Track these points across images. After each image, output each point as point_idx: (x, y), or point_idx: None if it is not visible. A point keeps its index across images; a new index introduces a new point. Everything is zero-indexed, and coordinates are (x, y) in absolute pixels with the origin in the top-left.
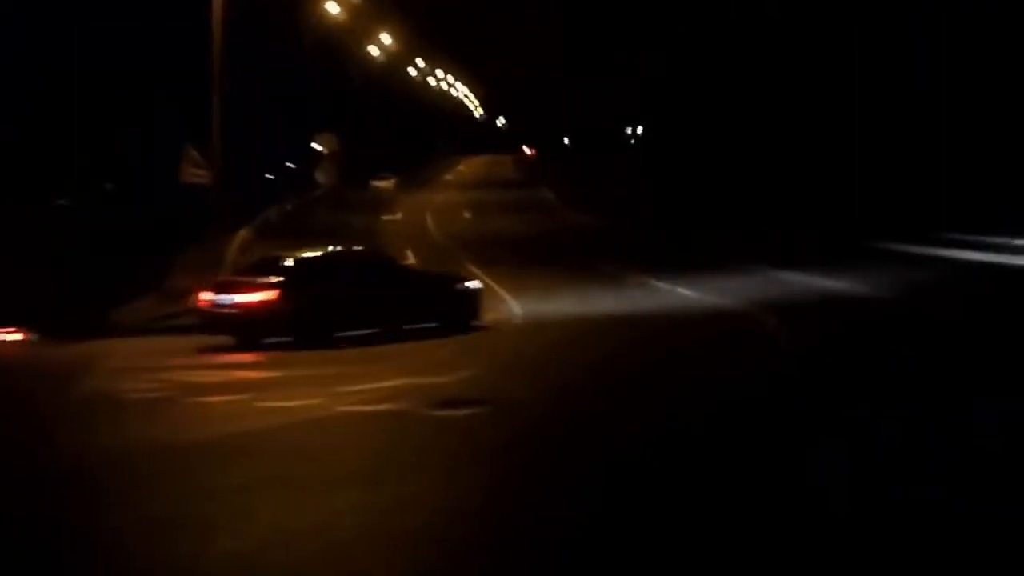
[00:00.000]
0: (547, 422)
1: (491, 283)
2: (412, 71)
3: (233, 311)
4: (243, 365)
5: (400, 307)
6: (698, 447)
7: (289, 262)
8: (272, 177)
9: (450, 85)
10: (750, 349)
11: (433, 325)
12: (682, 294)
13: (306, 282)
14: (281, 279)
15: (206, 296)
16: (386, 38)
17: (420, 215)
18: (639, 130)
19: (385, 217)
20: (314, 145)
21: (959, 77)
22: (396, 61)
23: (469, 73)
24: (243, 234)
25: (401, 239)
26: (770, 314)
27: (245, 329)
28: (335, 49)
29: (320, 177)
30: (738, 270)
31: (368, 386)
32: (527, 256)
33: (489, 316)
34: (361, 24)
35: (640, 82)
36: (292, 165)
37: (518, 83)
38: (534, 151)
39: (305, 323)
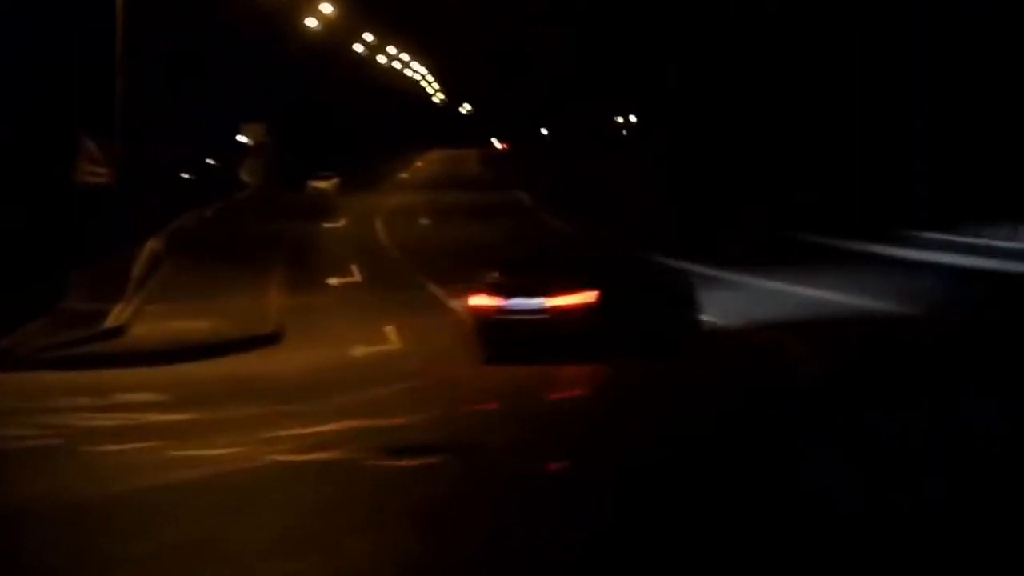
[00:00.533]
0: (521, 474)
1: (455, 308)
2: (359, 48)
3: (541, 318)
4: (153, 405)
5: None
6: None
7: (595, 254)
8: (189, 176)
9: (404, 64)
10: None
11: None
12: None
13: (619, 282)
14: (597, 277)
15: (485, 299)
16: (327, 6)
17: (368, 222)
18: (632, 119)
19: (326, 224)
20: (240, 138)
21: (955, 77)
22: (339, 35)
23: (426, 49)
24: (151, 245)
25: (345, 251)
26: None
27: (554, 342)
28: (267, 20)
29: (245, 176)
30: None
31: (305, 429)
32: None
33: (455, 348)
34: None
35: (635, 63)
36: (213, 161)
37: (486, 62)
38: (506, 145)
39: (621, 334)
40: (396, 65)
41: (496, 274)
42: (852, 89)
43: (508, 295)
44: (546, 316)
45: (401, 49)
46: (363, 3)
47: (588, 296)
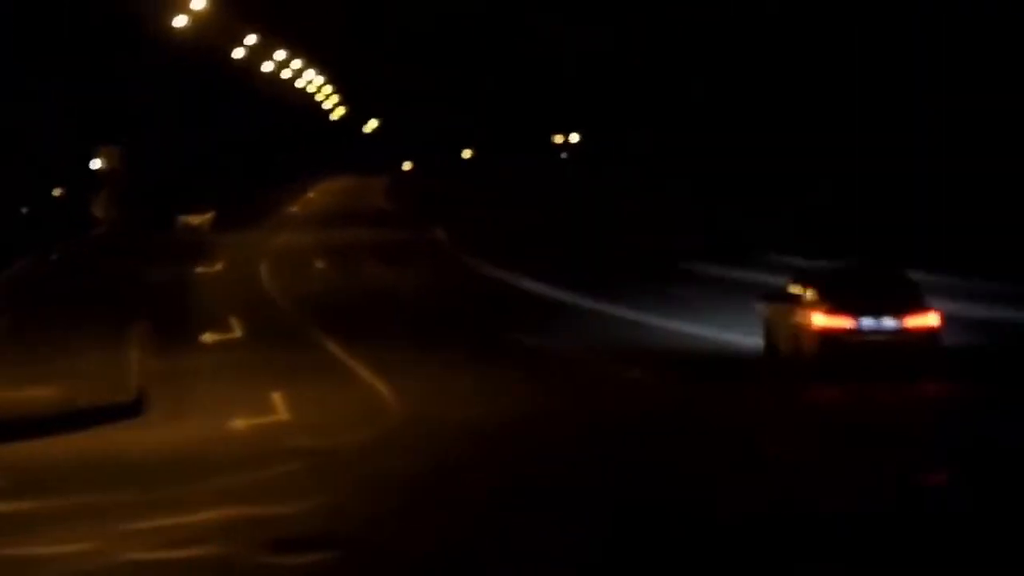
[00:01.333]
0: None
1: (359, 370)
2: (239, 53)
3: (894, 340)
4: None
5: None
6: None
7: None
8: (28, 212)
9: (296, 73)
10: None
11: None
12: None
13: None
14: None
15: (835, 320)
16: (198, 1)
17: (251, 265)
18: (572, 139)
19: (199, 268)
20: (94, 164)
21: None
22: (214, 36)
23: (324, 54)
24: None
25: (223, 301)
26: None
27: (903, 368)
28: (129, 20)
29: (99, 210)
30: None
31: (171, 520)
32: (410, 330)
33: (359, 419)
34: None
35: (577, 72)
36: (59, 193)
37: (397, 69)
38: (412, 166)
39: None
40: (286, 74)
41: (812, 289)
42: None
43: (860, 312)
44: (897, 339)
45: (292, 54)
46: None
47: (933, 319)
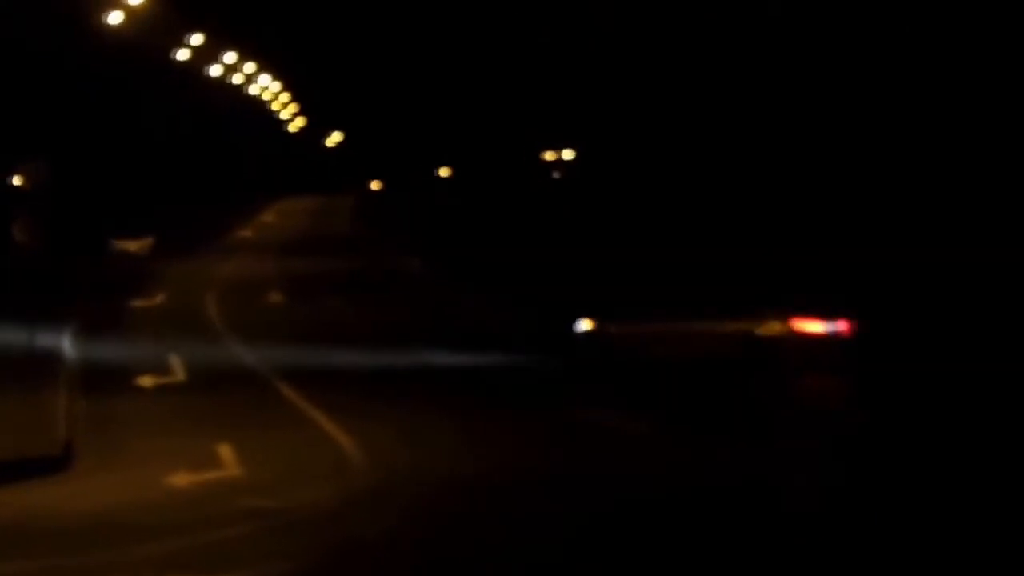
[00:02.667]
0: None
1: (318, 418)
2: (183, 54)
3: None
4: None
5: None
6: None
7: None
8: None
9: (248, 78)
10: None
11: None
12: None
13: None
14: None
15: None
16: None
17: (196, 298)
18: (565, 155)
19: (137, 302)
20: (15, 181)
21: None
22: (153, 36)
23: (279, 57)
24: None
25: (163, 339)
26: None
27: None
28: (52, 21)
29: (20, 235)
30: None
31: None
32: (378, 372)
33: (319, 474)
34: None
35: (573, 76)
36: None
37: (365, 76)
38: (381, 185)
39: None
40: (236, 79)
41: None
42: None
43: None
44: None
45: (243, 56)
46: None
47: None
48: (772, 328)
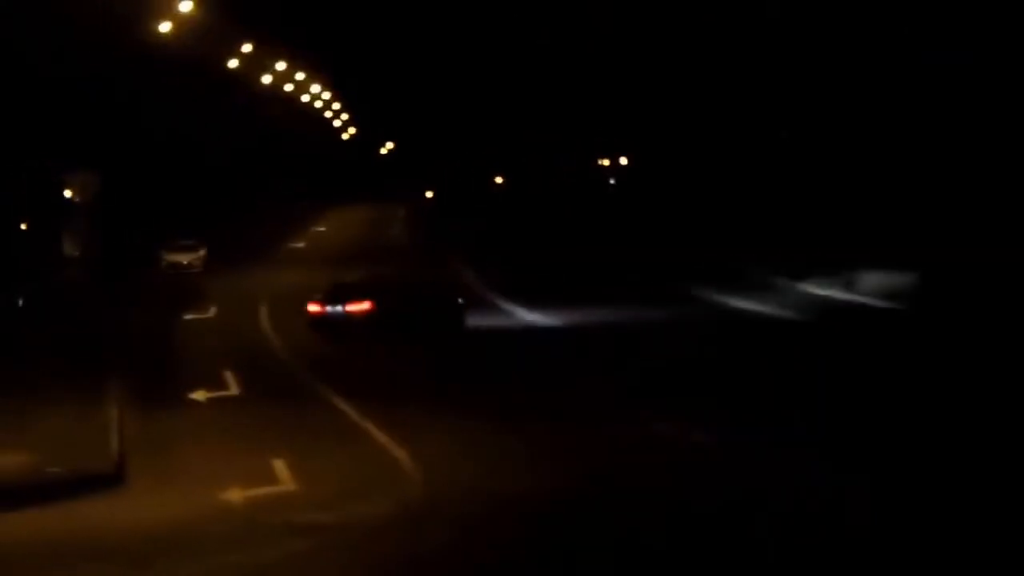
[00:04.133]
0: None
1: (373, 432)
2: (234, 64)
3: None
4: None
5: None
6: None
7: None
8: None
9: (300, 87)
10: None
11: None
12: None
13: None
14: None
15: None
16: (186, 3)
17: (249, 311)
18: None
19: (189, 315)
20: (67, 193)
21: None
22: (205, 45)
23: (333, 66)
24: None
25: (216, 353)
26: None
27: None
28: (101, 22)
29: (70, 248)
30: None
31: None
32: (432, 385)
33: (374, 489)
34: None
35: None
36: (26, 227)
37: (418, 84)
38: (435, 194)
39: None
40: (288, 88)
41: None
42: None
43: None
44: None
45: (295, 66)
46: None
47: None
48: None
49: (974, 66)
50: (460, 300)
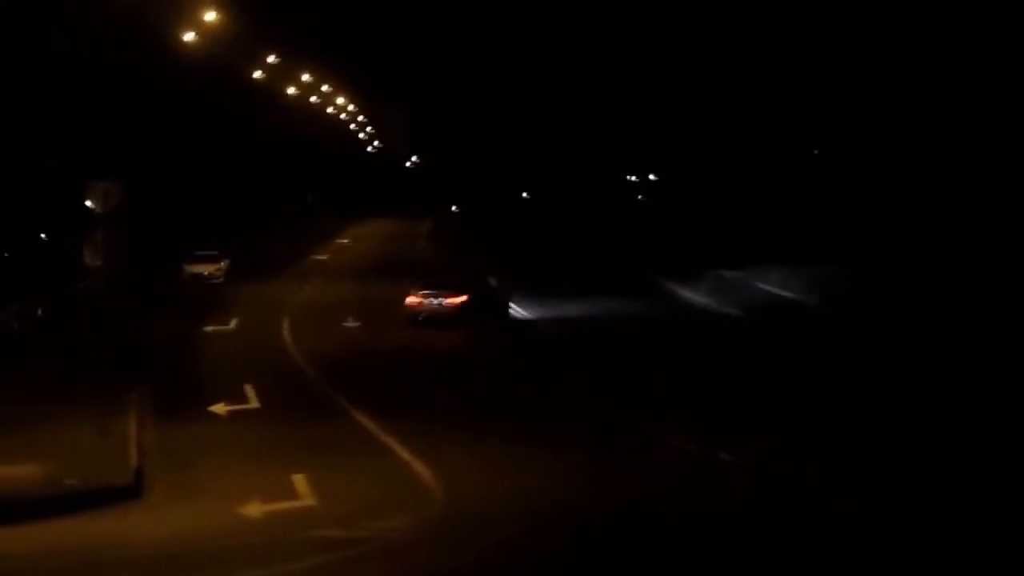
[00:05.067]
0: None
1: (394, 446)
2: (258, 74)
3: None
4: None
5: None
6: None
7: None
8: (9, 256)
9: (325, 98)
10: None
11: None
12: None
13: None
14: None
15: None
16: (209, 13)
17: (270, 323)
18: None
19: (209, 327)
20: (88, 202)
21: None
22: (230, 55)
23: (359, 77)
24: None
25: (237, 365)
26: None
27: None
28: (128, 35)
29: (90, 257)
30: None
31: None
32: (454, 399)
33: (395, 505)
34: None
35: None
36: (46, 236)
37: (446, 96)
38: (460, 208)
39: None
40: (313, 99)
41: None
42: None
43: None
44: None
45: (320, 77)
46: (266, 8)
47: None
48: None
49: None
50: (507, 299)
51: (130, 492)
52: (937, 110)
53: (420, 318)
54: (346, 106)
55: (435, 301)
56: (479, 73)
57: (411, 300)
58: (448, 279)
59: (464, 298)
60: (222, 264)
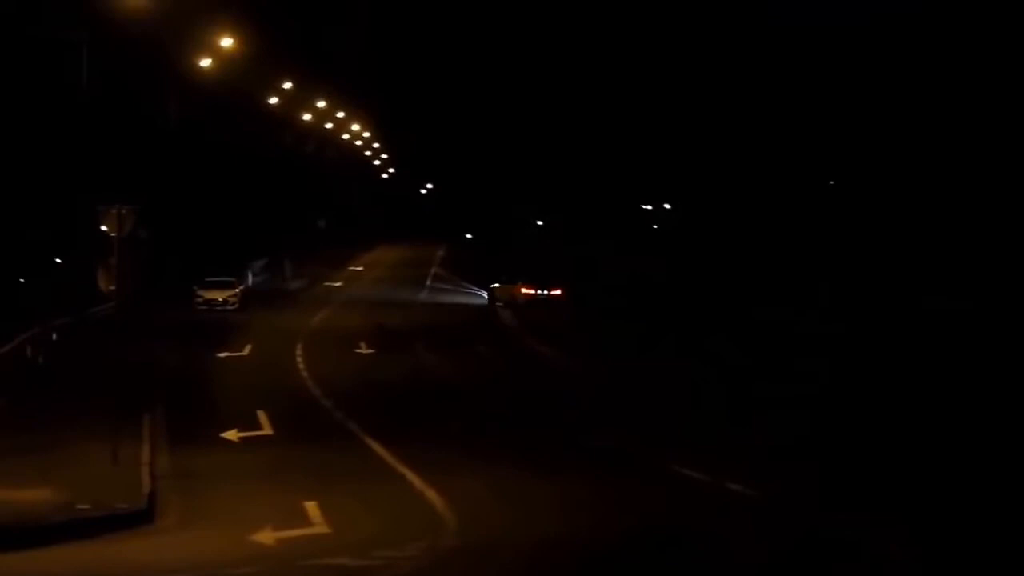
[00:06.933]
0: None
1: (408, 475)
2: (273, 100)
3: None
4: None
5: None
6: None
7: None
8: (25, 282)
9: (339, 124)
10: None
11: None
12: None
13: None
14: None
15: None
16: (226, 40)
17: (283, 349)
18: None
19: (223, 353)
20: (104, 227)
21: None
22: (245, 80)
23: (374, 103)
24: None
25: (250, 392)
26: None
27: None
28: (143, 60)
29: (103, 282)
30: None
31: None
32: (468, 428)
33: (408, 534)
34: (187, 19)
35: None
36: (60, 261)
37: (459, 122)
38: (474, 235)
39: None
40: (327, 125)
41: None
42: None
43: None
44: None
45: (335, 103)
46: (282, 35)
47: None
48: None
49: None
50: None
51: (142, 518)
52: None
53: (530, 303)
54: (360, 132)
55: (543, 292)
56: (493, 99)
57: (525, 290)
58: (548, 277)
59: (560, 291)
60: (236, 290)
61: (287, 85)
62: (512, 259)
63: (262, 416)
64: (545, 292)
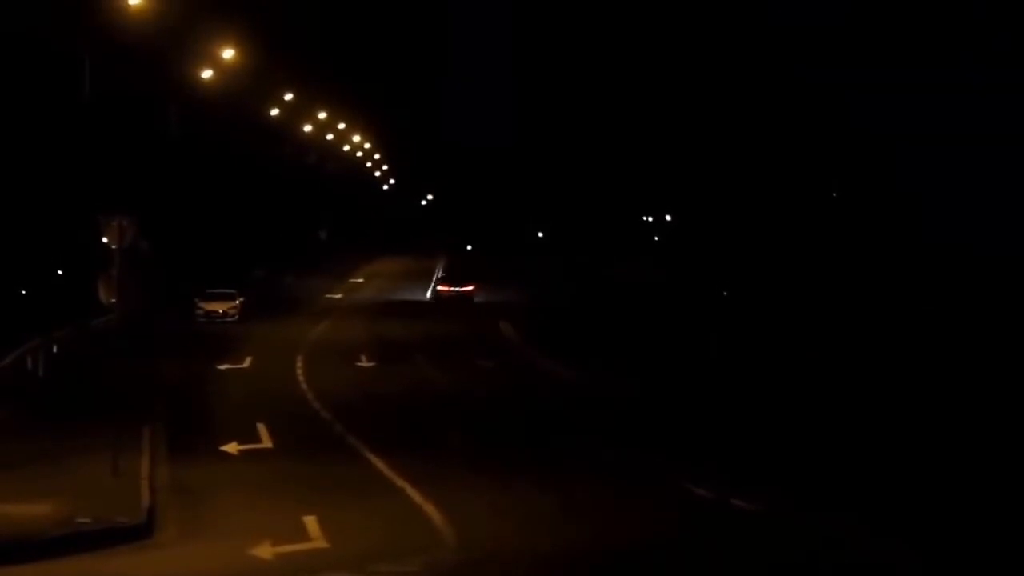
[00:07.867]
0: None
1: (407, 489)
2: (274, 112)
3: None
4: None
5: None
6: None
7: None
8: (26, 294)
9: (340, 136)
10: None
11: None
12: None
13: None
14: None
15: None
16: (227, 52)
17: (284, 361)
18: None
19: (223, 365)
20: (104, 239)
21: None
22: (246, 92)
23: (375, 114)
24: None
25: (250, 404)
26: None
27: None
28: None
29: (104, 295)
30: None
31: None
32: (468, 442)
33: (407, 549)
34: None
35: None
36: (61, 272)
37: (461, 133)
38: (474, 247)
39: None
40: (328, 137)
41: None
42: None
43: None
44: None
45: (336, 115)
46: (282, 46)
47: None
48: None
49: None
50: None
51: (142, 532)
52: None
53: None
54: (361, 144)
55: None
56: (499, 108)
57: None
58: None
59: None
60: (236, 302)
61: (288, 96)
62: (509, 268)
63: (262, 429)
64: (458, 289)
